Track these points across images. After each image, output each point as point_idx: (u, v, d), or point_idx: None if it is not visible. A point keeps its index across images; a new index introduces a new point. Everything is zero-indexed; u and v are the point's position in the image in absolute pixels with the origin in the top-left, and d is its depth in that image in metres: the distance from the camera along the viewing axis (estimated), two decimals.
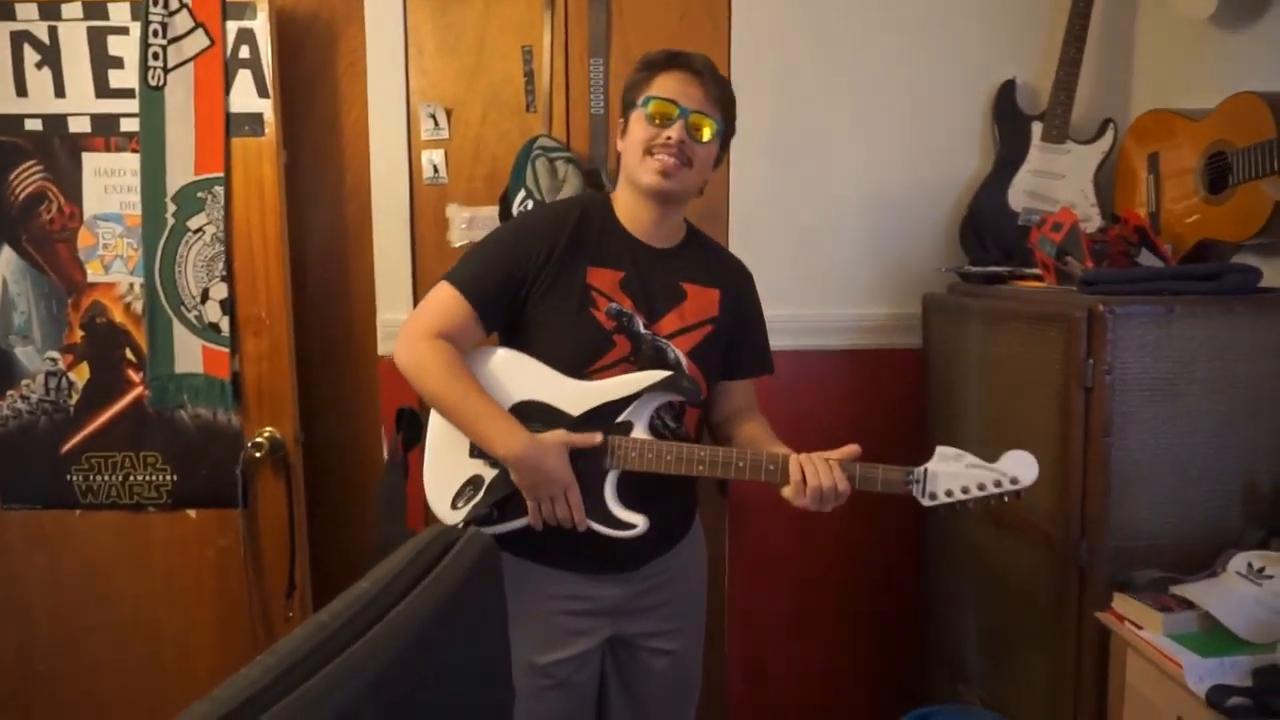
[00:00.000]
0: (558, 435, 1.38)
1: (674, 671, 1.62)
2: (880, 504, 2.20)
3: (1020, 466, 1.33)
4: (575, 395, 1.43)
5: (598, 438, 1.39)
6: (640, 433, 1.42)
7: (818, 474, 1.34)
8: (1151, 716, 1.33)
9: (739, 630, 2.26)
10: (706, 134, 1.45)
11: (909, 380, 2.16)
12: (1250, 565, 1.33)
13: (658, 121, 1.43)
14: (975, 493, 1.33)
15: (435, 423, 1.51)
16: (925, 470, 1.35)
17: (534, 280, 1.45)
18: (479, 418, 1.40)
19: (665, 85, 1.45)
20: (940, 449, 1.37)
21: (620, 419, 1.42)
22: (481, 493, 1.44)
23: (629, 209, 1.52)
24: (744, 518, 2.23)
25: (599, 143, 2.09)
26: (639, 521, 1.41)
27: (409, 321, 1.47)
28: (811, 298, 2.17)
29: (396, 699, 0.60)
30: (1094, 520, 1.50)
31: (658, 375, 1.43)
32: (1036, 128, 2.03)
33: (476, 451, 1.46)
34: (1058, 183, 2.01)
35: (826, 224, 2.17)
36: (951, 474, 1.34)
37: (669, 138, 1.42)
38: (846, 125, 2.14)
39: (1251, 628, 1.27)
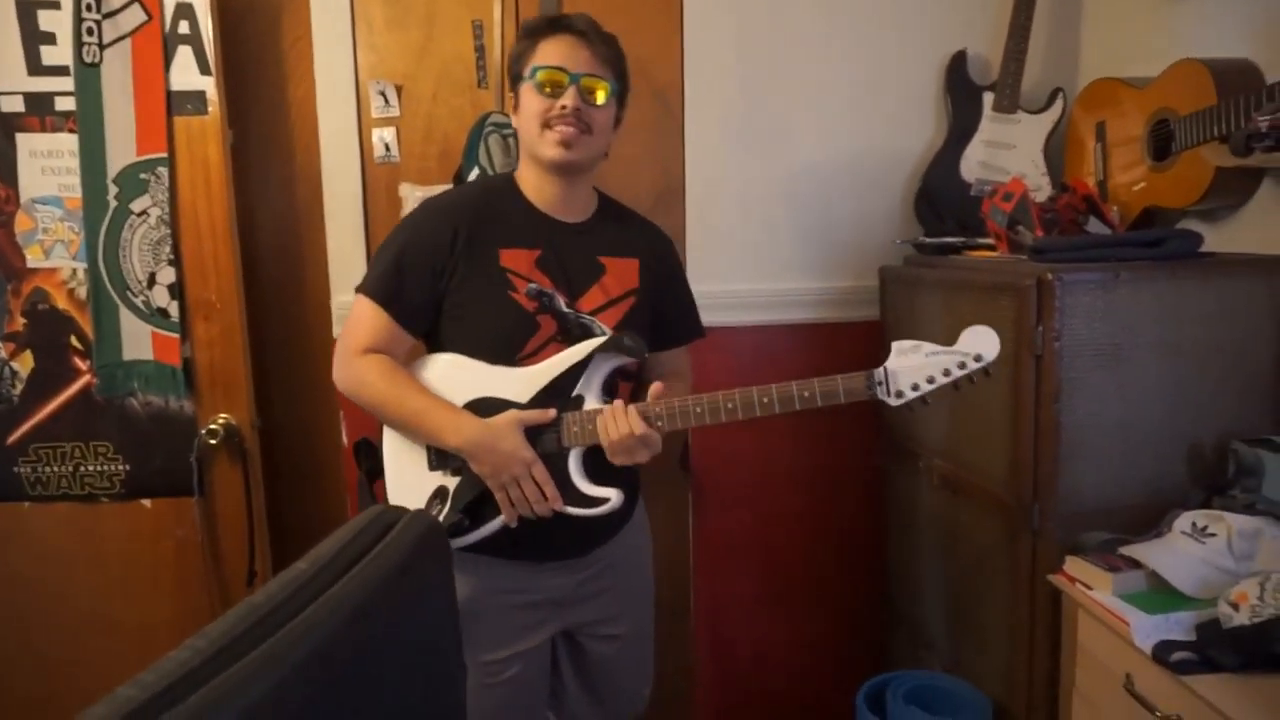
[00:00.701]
0: (509, 415, 1.36)
1: (624, 655, 1.61)
2: (842, 476, 2.24)
3: (981, 342, 1.27)
4: (521, 382, 1.40)
5: (551, 413, 1.37)
6: (594, 403, 1.40)
7: (616, 428, 1.32)
8: (1102, 675, 1.36)
9: (704, 608, 2.27)
10: (601, 96, 1.41)
11: (869, 352, 2.15)
12: (1194, 524, 1.35)
13: (549, 91, 1.38)
14: (941, 379, 1.28)
15: (389, 445, 1.47)
16: (886, 370, 1.30)
17: (446, 271, 1.41)
18: (424, 413, 1.38)
19: (550, 52, 1.40)
20: (896, 344, 1.31)
21: (574, 394, 1.40)
22: (449, 502, 1.40)
23: (535, 185, 1.47)
24: (707, 495, 2.24)
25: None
26: (611, 494, 1.38)
27: (339, 343, 1.45)
28: (770, 272, 2.17)
29: (336, 675, 0.60)
30: (1045, 485, 1.52)
31: (598, 340, 1.40)
32: (988, 98, 2.04)
33: (436, 462, 1.43)
34: (1009, 153, 2.03)
35: (783, 199, 2.17)
36: (913, 367, 1.29)
37: (564, 107, 1.37)
38: (801, 99, 2.14)
39: (1196, 584, 1.30)
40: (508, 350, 1.40)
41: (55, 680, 2.04)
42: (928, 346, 1.29)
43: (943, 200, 2.07)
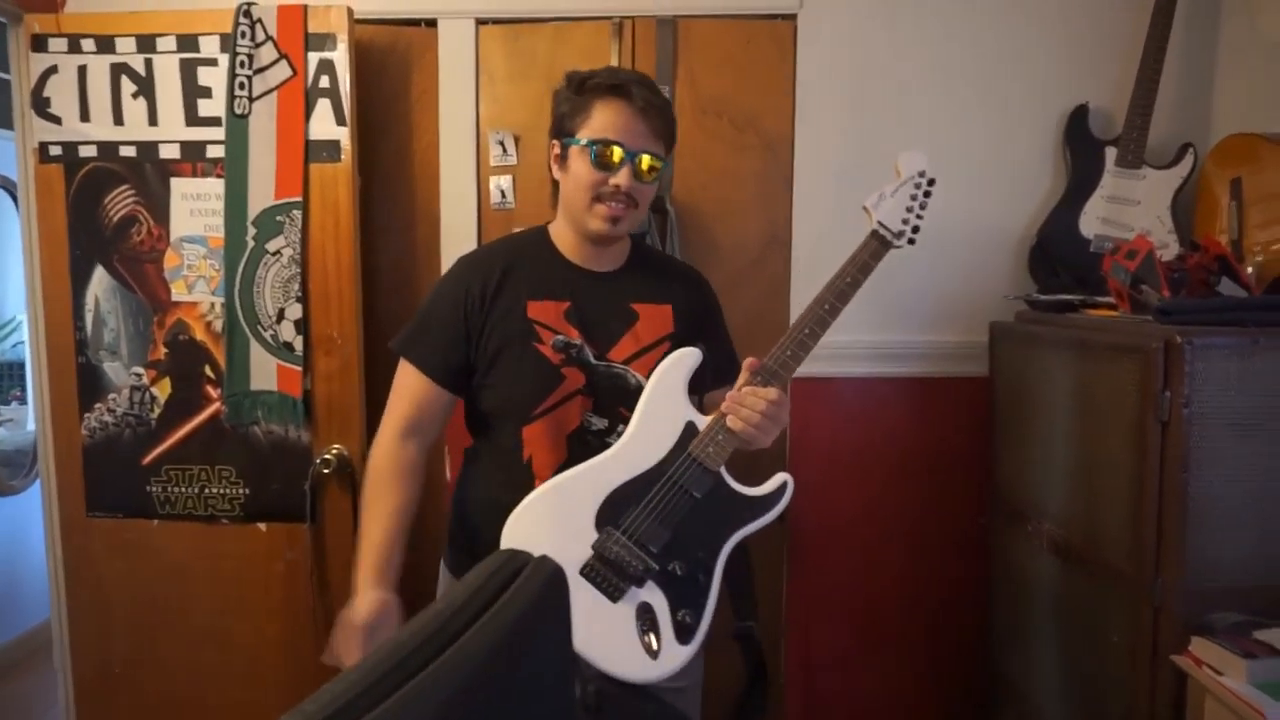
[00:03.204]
0: (364, 606, 1.37)
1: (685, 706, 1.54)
2: (944, 533, 2.17)
3: (917, 162, 1.44)
4: (641, 450, 1.37)
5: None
6: (694, 416, 1.40)
7: (750, 411, 1.32)
8: None
9: (796, 666, 2.23)
10: (652, 173, 1.41)
11: (975, 408, 2.11)
12: None
13: (601, 164, 1.38)
14: (919, 208, 1.42)
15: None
16: (884, 226, 1.42)
17: (475, 325, 1.43)
18: (359, 555, 1.42)
19: (606, 120, 1.38)
20: (868, 204, 1.44)
21: (685, 421, 1.39)
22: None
23: (569, 241, 1.48)
24: (803, 547, 2.21)
25: (664, 168, 2.11)
26: (778, 477, 1.39)
27: (384, 415, 1.48)
28: (877, 324, 2.15)
29: (478, 712, 0.62)
30: (1170, 558, 1.45)
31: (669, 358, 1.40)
32: (1110, 153, 1.99)
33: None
34: (1133, 209, 1.97)
35: (890, 251, 2.14)
36: (895, 207, 1.42)
37: (617, 186, 1.38)
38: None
39: None
40: (529, 401, 1.40)
41: (175, 684, 2.15)
42: (886, 188, 1.43)
43: (1059, 256, 2.02)
